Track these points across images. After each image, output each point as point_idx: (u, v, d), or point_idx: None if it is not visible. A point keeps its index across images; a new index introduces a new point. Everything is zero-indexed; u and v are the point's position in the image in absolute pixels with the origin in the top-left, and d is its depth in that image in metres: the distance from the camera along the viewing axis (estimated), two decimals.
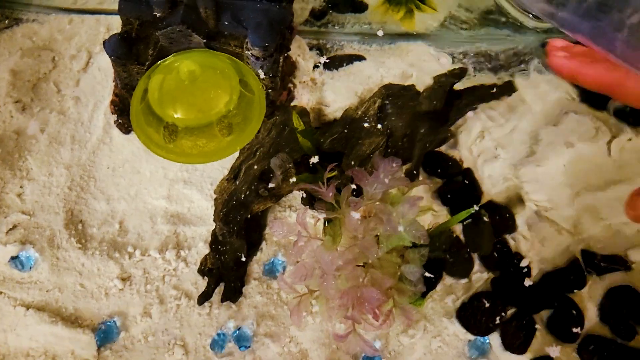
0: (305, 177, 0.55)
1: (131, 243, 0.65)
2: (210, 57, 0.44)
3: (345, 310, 0.51)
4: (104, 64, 0.72)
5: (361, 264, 0.53)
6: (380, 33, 0.66)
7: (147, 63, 0.60)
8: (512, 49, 0.72)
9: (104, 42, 0.58)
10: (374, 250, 0.50)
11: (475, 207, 0.62)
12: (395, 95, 0.66)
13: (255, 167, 0.60)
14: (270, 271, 0.65)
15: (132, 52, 0.59)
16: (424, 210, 0.56)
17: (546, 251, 0.65)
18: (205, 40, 0.60)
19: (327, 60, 0.72)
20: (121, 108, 0.68)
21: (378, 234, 0.51)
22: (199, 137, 0.45)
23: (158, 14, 0.59)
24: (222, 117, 0.45)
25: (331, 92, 0.71)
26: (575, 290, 0.63)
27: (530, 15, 0.68)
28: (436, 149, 0.70)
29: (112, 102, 0.68)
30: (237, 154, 0.68)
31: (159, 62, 0.45)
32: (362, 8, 0.77)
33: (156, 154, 0.47)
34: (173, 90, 0.44)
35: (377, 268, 0.52)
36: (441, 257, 0.65)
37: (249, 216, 0.60)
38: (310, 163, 0.56)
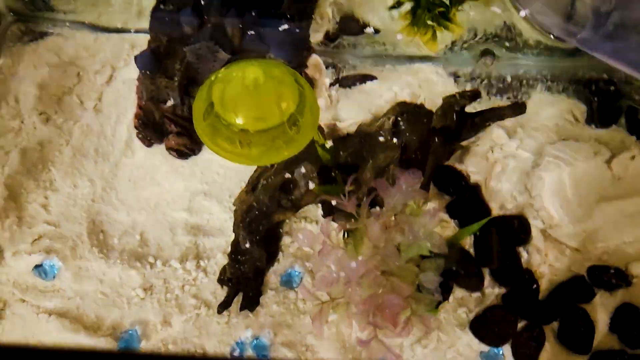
0: (327, 188, 0.57)
1: (152, 253, 0.67)
2: (269, 65, 0.47)
3: (366, 317, 0.52)
4: (127, 78, 0.75)
5: (381, 272, 0.55)
6: (399, 36, 0.69)
7: (175, 77, 0.63)
8: (520, 71, 0.75)
9: (135, 57, 0.61)
10: (395, 258, 0.52)
11: (488, 218, 0.64)
12: (409, 112, 0.69)
13: (274, 178, 0.62)
14: (287, 282, 0.67)
15: (161, 67, 0.62)
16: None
17: (555, 265, 0.67)
18: (230, 57, 0.62)
19: (341, 79, 0.75)
20: (145, 121, 0.70)
21: (399, 243, 0.53)
22: (270, 138, 0.47)
23: (186, 32, 0.62)
24: (289, 117, 0.48)
25: (345, 109, 0.74)
26: (584, 304, 0.64)
27: (551, 36, 0.71)
28: (446, 163, 0.72)
29: (136, 116, 0.70)
30: (254, 166, 0.70)
31: (213, 76, 0.48)
32: (375, 31, 0.80)
33: (238, 163, 0.49)
34: (235, 97, 0.46)
35: (397, 276, 0.54)
36: (452, 269, 0.67)
37: (270, 227, 0.61)
38: (332, 173, 0.59)
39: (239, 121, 0.46)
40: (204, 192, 0.70)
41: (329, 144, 0.62)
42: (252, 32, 0.61)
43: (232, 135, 0.46)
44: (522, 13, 0.54)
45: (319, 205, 0.68)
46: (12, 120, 0.72)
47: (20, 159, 0.69)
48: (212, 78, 0.48)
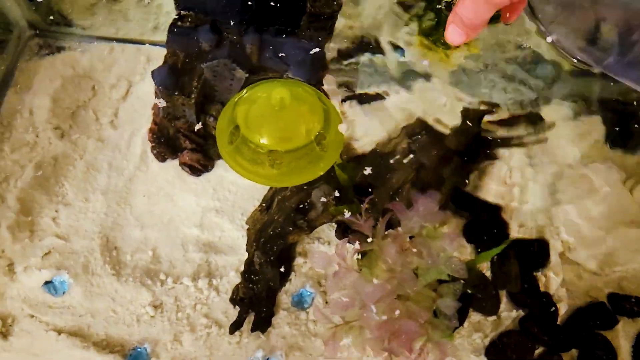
0: (344, 208, 0.56)
1: (163, 271, 0.66)
2: (294, 85, 0.47)
3: (381, 342, 0.51)
4: (142, 93, 0.74)
5: (396, 296, 0.54)
6: (425, 62, 0.69)
7: (192, 95, 0.62)
8: (538, 93, 0.74)
9: (152, 72, 0.60)
10: (412, 283, 0.51)
11: (507, 242, 0.63)
12: (424, 132, 0.68)
13: (290, 198, 0.62)
14: (299, 302, 0.66)
15: (177, 83, 0.61)
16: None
17: (573, 289, 0.66)
18: (247, 75, 0.62)
19: (355, 97, 0.75)
20: (159, 137, 0.70)
21: (416, 267, 0.52)
22: (297, 157, 0.47)
23: (204, 49, 0.61)
24: (315, 136, 0.47)
25: (359, 128, 0.73)
26: (605, 331, 0.63)
27: (575, 60, 0.70)
28: (463, 187, 0.71)
29: (151, 131, 0.70)
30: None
31: (237, 97, 0.47)
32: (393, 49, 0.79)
33: (265, 184, 0.49)
34: (261, 118, 0.46)
35: (413, 301, 0.53)
36: (469, 293, 0.66)
37: (284, 247, 0.61)
38: (349, 194, 0.58)
39: (264, 141, 0.46)
40: (215, 209, 0.70)
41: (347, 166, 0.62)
42: (271, 51, 0.61)
43: (259, 156, 0.46)
44: (549, 39, 0.53)
45: (333, 226, 0.67)
46: (26, 134, 0.72)
47: (34, 174, 0.69)
48: (236, 99, 0.47)
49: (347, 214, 0.51)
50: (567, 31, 0.46)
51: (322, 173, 0.48)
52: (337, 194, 0.58)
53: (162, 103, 0.61)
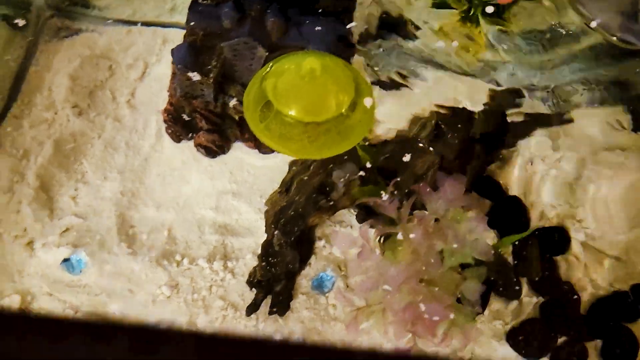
0: (367, 189, 0.55)
1: (179, 251, 0.66)
2: (325, 57, 0.46)
3: (404, 325, 0.50)
4: (159, 74, 0.74)
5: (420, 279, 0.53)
6: (455, 44, 0.67)
7: (210, 74, 0.61)
8: (565, 78, 0.73)
9: (172, 50, 0.59)
10: (437, 266, 0.50)
11: (530, 230, 0.62)
12: (449, 116, 0.67)
13: (311, 180, 0.61)
14: (319, 286, 0.65)
15: (197, 62, 0.60)
16: None
17: (596, 278, 0.64)
18: (267, 54, 0.61)
19: (379, 81, 0.73)
20: (175, 117, 0.69)
21: (441, 250, 0.51)
22: (326, 130, 0.46)
23: (225, 26, 0.60)
24: (345, 109, 0.46)
25: (382, 113, 0.72)
26: (629, 323, 0.62)
27: (618, 40, 0.67)
28: (486, 174, 0.70)
29: (166, 111, 0.69)
30: (287, 168, 0.69)
31: (263, 71, 0.47)
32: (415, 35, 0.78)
33: (297, 157, 0.48)
34: (290, 89, 0.45)
35: (438, 284, 0.52)
36: (490, 278, 0.64)
37: (304, 228, 0.60)
38: (368, 174, 0.57)
39: (292, 113, 0.45)
40: (232, 192, 0.69)
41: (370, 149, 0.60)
42: (294, 28, 0.60)
43: (293, 130, 0.45)
44: (594, 23, 0.52)
45: (352, 212, 0.66)
46: (45, 112, 0.71)
47: (53, 151, 0.68)
48: (263, 74, 0.46)
49: (384, 196, 0.50)
50: (610, 13, 0.44)
51: (355, 144, 0.47)
52: (361, 174, 0.57)
53: (196, 77, 0.59)
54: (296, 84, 0.45)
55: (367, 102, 0.50)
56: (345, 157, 0.56)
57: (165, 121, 0.70)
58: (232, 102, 0.65)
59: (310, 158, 0.58)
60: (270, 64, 0.46)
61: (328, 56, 0.48)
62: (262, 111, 0.46)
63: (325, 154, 0.51)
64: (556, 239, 0.66)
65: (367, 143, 0.62)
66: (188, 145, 0.71)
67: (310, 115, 0.45)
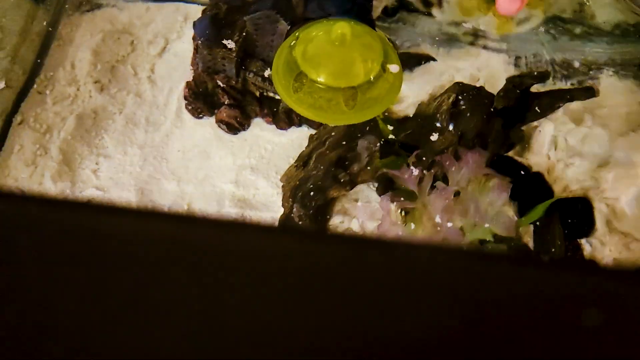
0: (389, 160, 0.55)
1: None
2: (355, 24, 0.46)
3: None
4: (179, 50, 0.74)
5: None
6: (467, 25, 0.66)
7: (232, 48, 0.61)
8: (589, 56, 0.71)
9: (194, 23, 0.59)
10: (458, 239, 0.49)
11: (552, 200, 0.60)
12: (469, 92, 0.66)
13: (330, 152, 0.61)
14: None
15: (219, 36, 0.60)
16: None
17: (623, 263, 0.63)
18: (289, 27, 0.61)
19: (399, 57, 0.73)
20: (196, 92, 0.69)
21: (462, 223, 0.51)
22: (356, 95, 0.46)
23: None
24: (374, 76, 0.46)
25: (402, 88, 0.71)
26: None
27: None
28: (506, 154, 0.69)
29: (188, 85, 0.69)
30: (302, 144, 0.69)
31: (291, 39, 0.46)
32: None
33: (330, 123, 0.49)
34: (320, 54, 0.45)
35: None
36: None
37: (323, 202, 0.60)
38: (393, 148, 0.56)
39: (322, 79, 0.45)
40: (251, 167, 0.69)
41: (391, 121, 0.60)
42: (316, 1, 0.59)
43: (323, 96, 0.45)
44: None
45: (372, 188, 0.66)
46: (68, 87, 0.72)
47: (75, 125, 0.69)
48: (291, 42, 0.46)
49: (412, 167, 0.50)
50: None
51: (385, 109, 0.47)
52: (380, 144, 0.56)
53: (203, 56, 0.59)
54: (326, 50, 0.45)
55: (394, 68, 0.50)
56: (367, 128, 0.56)
57: (185, 97, 0.70)
58: (252, 77, 0.65)
59: (344, 124, 0.58)
60: (297, 33, 0.46)
61: (356, 22, 0.48)
62: (295, 81, 0.46)
63: (359, 118, 0.51)
64: (580, 215, 0.65)
65: (386, 114, 0.62)
66: (209, 122, 0.71)
67: (340, 81, 0.45)
